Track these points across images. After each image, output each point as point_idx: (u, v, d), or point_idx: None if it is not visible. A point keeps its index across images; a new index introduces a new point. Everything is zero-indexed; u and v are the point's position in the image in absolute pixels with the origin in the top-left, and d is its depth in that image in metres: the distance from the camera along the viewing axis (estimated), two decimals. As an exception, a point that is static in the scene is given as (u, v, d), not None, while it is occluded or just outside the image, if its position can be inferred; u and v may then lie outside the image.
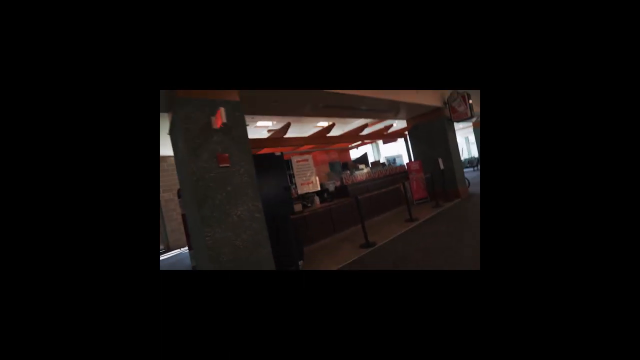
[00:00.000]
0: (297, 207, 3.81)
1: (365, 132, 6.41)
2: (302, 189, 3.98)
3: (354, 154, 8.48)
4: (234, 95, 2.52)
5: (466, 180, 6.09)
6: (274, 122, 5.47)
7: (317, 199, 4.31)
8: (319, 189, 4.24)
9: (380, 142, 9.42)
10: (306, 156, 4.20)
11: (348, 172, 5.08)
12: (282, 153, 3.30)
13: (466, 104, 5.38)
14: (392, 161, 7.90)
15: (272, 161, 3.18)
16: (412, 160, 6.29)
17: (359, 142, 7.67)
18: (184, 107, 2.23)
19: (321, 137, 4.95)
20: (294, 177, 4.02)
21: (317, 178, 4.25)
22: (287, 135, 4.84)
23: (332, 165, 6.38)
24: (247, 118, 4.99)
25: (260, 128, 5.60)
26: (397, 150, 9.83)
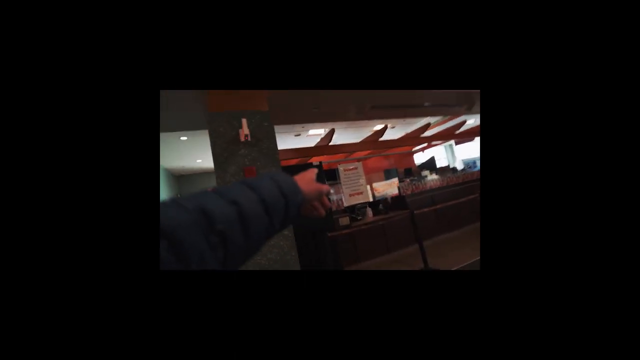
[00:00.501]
0: (344, 220, 3.45)
1: (431, 132, 5.52)
2: (350, 201, 3.60)
3: (422, 157, 7.45)
4: (263, 105, 2.41)
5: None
6: (326, 130, 5.29)
7: (369, 211, 3.85)
8: (370, 199, 3.77)
9: (454, 142, 8.07)
10: (355, 164, 3.81)
11: (408, 180, 4.40)
12: (320, 162, 3.02)
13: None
14: (470, 165, 6.57)
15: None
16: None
17: (425, 145, 6.71)
18: (213, 123, 2.23)
19: (374, 141, 4.46)
20: (341, 187, 3.69)
21: (368, 187, 3.80)
22: (336, 142, 4.55)
23: (387, 172, 5.68)
24: (298, 127, 4.98)
25: (313, 137, 5.51)
26: (479, 152, 8.17)
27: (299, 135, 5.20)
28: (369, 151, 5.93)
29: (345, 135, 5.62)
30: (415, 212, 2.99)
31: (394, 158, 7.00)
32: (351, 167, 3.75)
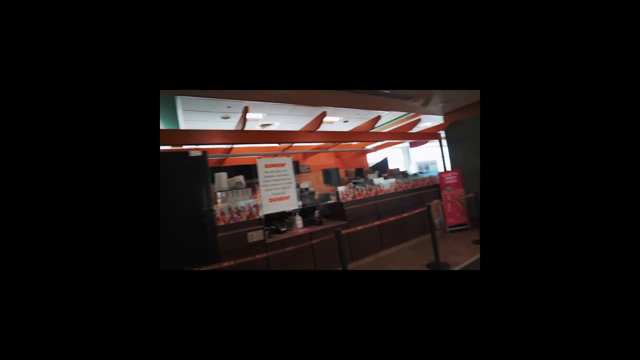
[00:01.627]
0: (257, 235, 2.58)
1: (382, 128, 4.88)
2: (268, 208, 2.73)
3: (376, 158, 6.90)
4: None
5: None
6: (265, 115, 4.32)
7: (298, 221, 3.04)
8: (295, 207, 2.95)
9: (411, 144, 7.69)
10: (285, 159, 2.94)
11: (352, 183, 3.67)
12: (204, 152, 2.07)
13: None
14: (423, 169, 6.16)
15: (178, 166, 1.96)
16: (448, 169, 4.60)
17: (382, 143, 6.13)
18: None
19: (312, 133, 3.62)
20: (259, 188, 2.79)
21: (295, 191, 2.96)
22: (272, 128, 3.62)
23: (326, 173, 4.85)
24: (223, 105, 3.93)
25: (251, 121, 4.49)
26: (433, 156, 7.92)
27: (227, 118, 4.13)
28: (316, 146, 5.11)
29: (287, 120, 4.69)
30: (341, 232, 2.24)
31: (345, 156, 6.31)
32: (275, 164, 2.87)
